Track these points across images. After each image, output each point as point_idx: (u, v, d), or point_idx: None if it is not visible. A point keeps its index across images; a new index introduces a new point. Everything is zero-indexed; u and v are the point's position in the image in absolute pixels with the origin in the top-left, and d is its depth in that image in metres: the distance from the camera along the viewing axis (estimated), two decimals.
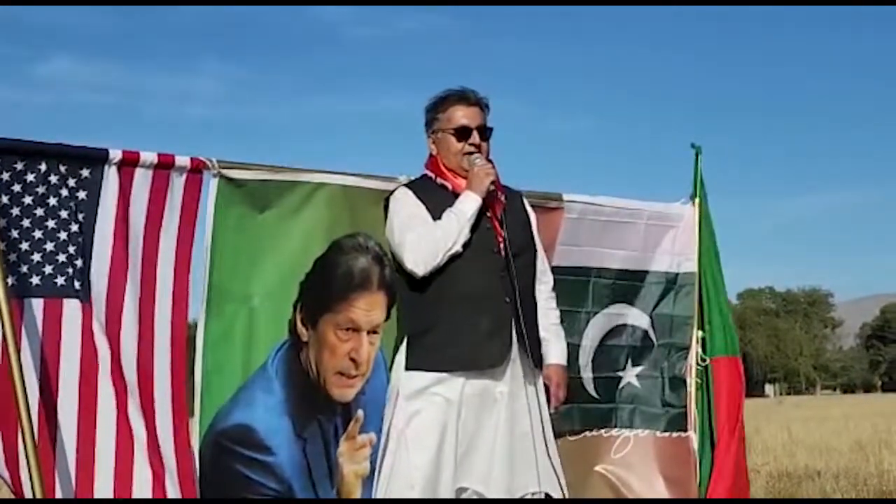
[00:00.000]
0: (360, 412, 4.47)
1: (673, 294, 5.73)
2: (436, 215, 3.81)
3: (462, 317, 3.75)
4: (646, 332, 5.68)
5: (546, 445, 3.83)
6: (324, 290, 4.42)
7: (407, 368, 3.82)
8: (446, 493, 3.70)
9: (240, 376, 4.26)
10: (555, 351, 4.02)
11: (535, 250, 4.03)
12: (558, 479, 3.88)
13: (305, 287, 4.41)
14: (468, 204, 3.77)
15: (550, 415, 3.98)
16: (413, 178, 4.47)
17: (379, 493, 3.81)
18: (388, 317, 4.52)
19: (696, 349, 5.75)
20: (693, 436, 5.69)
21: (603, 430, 5.53)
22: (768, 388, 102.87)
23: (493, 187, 3.80)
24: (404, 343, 3.85)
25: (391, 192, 4.02)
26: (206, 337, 4.18)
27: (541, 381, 3.92)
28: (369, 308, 4.46)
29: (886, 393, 78.16)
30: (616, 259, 5.43)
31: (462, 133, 3.85)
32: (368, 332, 4.45)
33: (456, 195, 3.84)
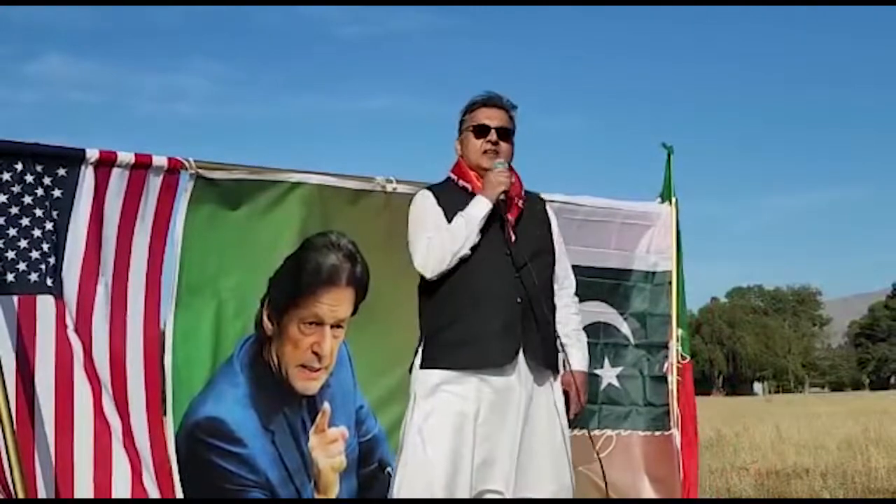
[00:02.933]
0: (327, 405, 4.59)
1: (650, 293, 5.78)
2: (453, 218, 3.82)
3: (474, 317, 3.77)
4: (622, 330, 5.69)
5: (559, 447, 3.88)
6: (291, 285, 4.51)
7: (422, 367, 3.83)
8: (464, 490, 3.72)
9: (209, 369, 4.34)
10: (576, 357, 4.02)
11: (554, 255, 4.04)
12: (570, 482, 3.92)
13: (273, 283, 4.50)
14: (478, 208, 3.80)
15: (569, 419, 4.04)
16: (390, 178, 4.73)
17: (395, 487, 3.83)
18: (354, 312, 4.65)
19: (676, 347, 5.77)
20: (676, 433, 5.67)
21: (585, 430, 5.52)
22: (757, 387, 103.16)
23: (504, 196, 3.82)
24: (422, 343, 3.87)
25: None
26: (176, 331, 4.25)
27: (556, 384, 3.92)
28: (334, 303, 4.59)
29: (875, 391, 78.28)
30: (593, 257, 5.48)
31: (480, 130, 3.91)
32: (332, 327, 4.59)
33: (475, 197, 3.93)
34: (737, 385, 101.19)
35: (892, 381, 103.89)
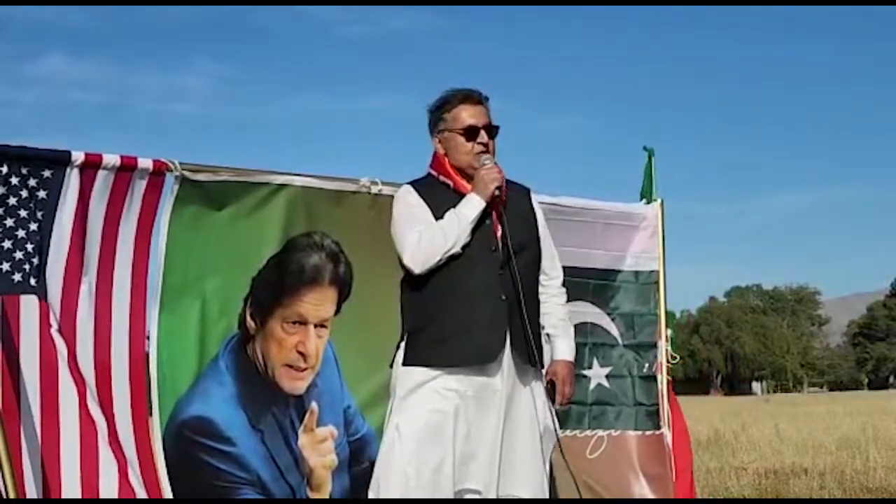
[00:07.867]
0: (314, 405, 4.61)
1: (637, 293, 5.79)
2: (437, 214, 3.79)
3: (458, 313, 3.74)
4: (610, 331, 5.73)
5: (537, 448, 3.86)
6: (275, 285, 4.55)
7: (404, 364, 3.81)
8: (446, 488, 3.70)
9: (194, 369, 4.36)
10: (562, 347, 3.97)
11: (539, 247, 3.99)
12: (544, 485, 3.89)
13: (257, 282, 4.53)
14: (471, 207, 3.76)
15: (557, 412, 4.00)
16: (375, 179, 4.77)
17: (374, 485, 3.82)
18: (337, 311, 4.68)
19: (665, 347, 5.77)
20: (666, 432, 5.64)
21: (577, 431, 5.50)
22: (755, 386, 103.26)
23: (497, 192, 3.79)
24: (404, 340, 3.85)
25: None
26: (160, 331, 4.26)
27: (539, 383, 3.87)
28: (318, 302, 4.61)
29: (873, 390, 78.40)
30: (579, 258, 5.50)
31: (470, 133, 3.85)
32: (316, 326, 4.62)
33: (458, 194, 3.83)
34: (735, 385, 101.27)
35: (891, 380, 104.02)
